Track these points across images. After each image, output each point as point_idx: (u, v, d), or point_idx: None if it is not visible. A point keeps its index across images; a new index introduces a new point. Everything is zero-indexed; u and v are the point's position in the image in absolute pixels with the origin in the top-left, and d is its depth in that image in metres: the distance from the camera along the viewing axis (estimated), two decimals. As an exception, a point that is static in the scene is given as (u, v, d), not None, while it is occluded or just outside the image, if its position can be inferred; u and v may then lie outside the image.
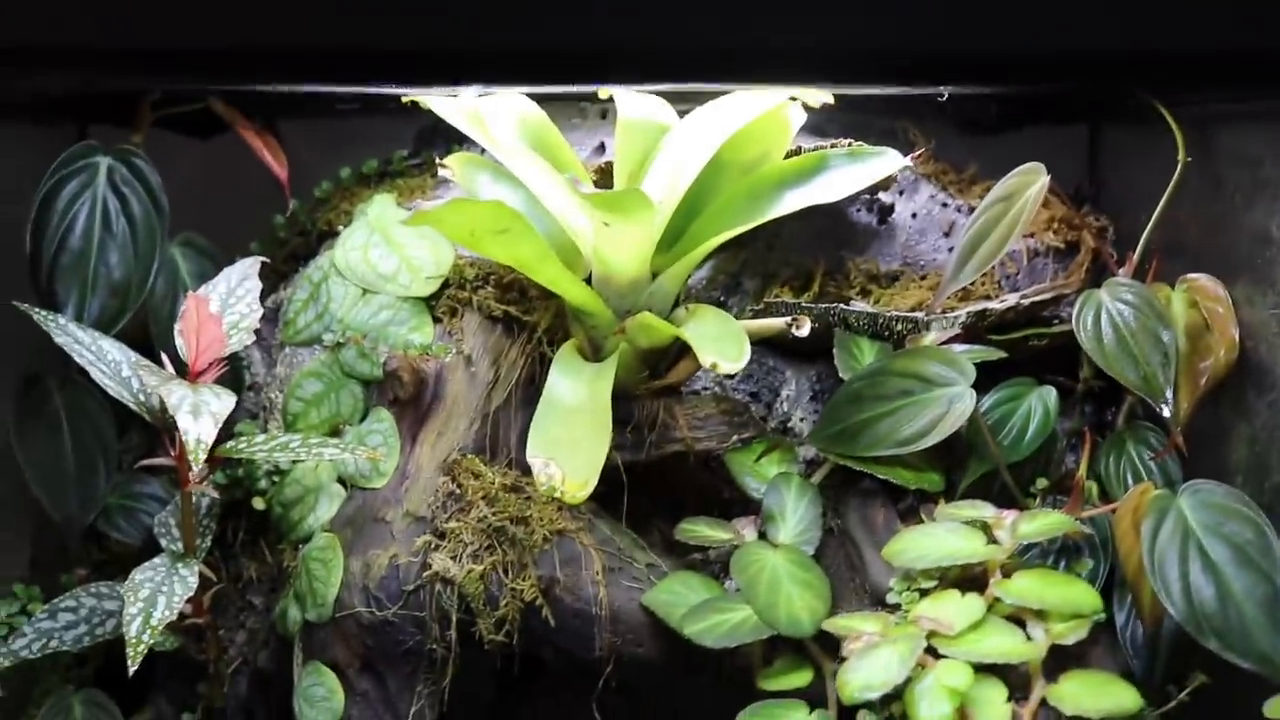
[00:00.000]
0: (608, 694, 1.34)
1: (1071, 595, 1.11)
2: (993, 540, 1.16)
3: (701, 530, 1.34)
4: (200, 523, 1.37)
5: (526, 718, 1.41)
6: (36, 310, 1.30)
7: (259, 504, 1.41)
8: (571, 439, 1.20)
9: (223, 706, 1.43)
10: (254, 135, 1.51)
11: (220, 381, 1.44)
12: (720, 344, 1.20)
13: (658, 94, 1.39)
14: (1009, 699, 1.07)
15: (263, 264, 1.38)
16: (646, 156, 1.34)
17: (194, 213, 1.50)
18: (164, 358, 1.28)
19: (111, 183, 1.41)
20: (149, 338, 1.42)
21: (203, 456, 1.13)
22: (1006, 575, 1.14)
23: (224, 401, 1.21)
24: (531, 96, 1.37)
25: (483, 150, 1.37)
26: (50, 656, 1.31)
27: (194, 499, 1.36)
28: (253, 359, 1.52)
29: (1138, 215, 1.43)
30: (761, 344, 1.48)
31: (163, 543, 1.34)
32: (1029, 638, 1.09)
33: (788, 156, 1.38)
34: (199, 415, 1.17)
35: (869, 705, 1.14)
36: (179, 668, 1.44)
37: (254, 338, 1.31)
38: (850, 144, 1.40)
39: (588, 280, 1.34)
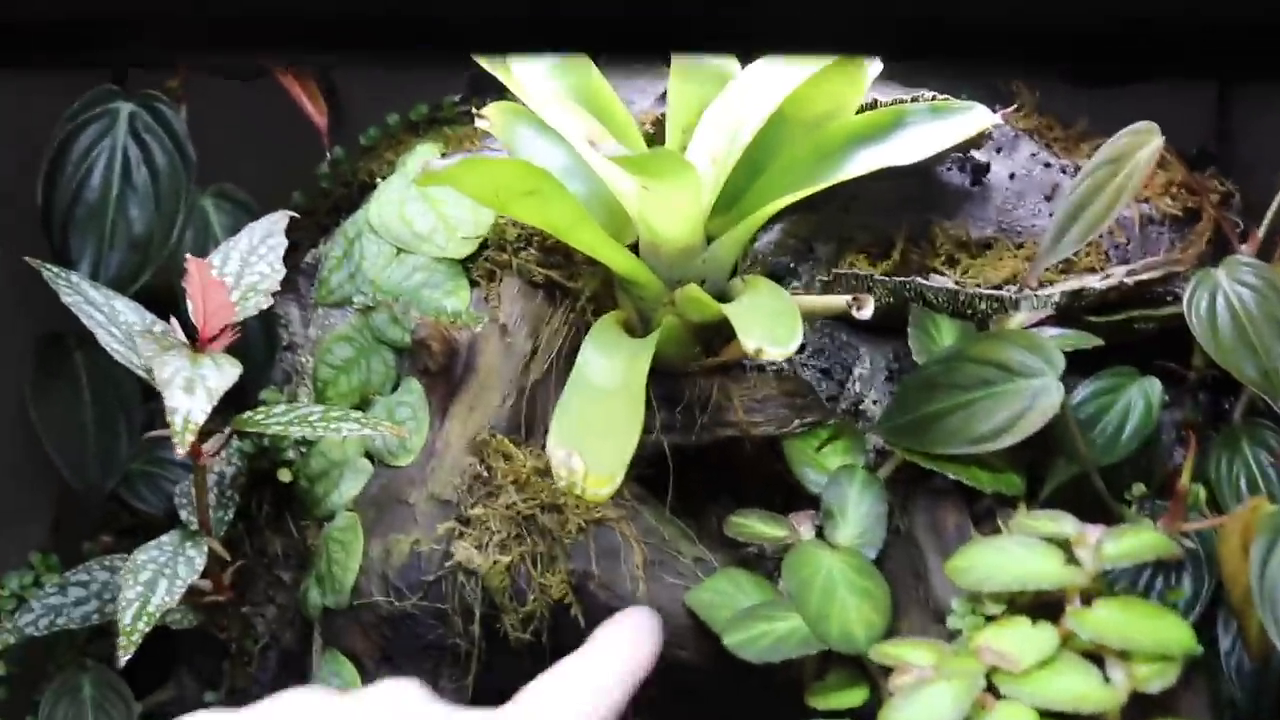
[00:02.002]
0: (645, 699, 1.23)
1: (1161, 632, 0.96)
2: (1073, 560, 1.01)
3: (754, 525, 1.21)
4: (223, 495, 1.29)
5: None
6: (46, 266, 1.21)
7: (285, 476, 1.31)
8: (599, 427, 1.07)
9: (247, 687, 1.35)
10: (293, 80, 1.41)
11: (246, 343, 1.36)
12: (769, 326, 1.06)
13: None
14: (1080, 751, 0.92)
15: (294, 218, 1.27)
16: (703, 108, 1.20)
17: (231, 163, 1.41)
18: (174, 322, 1.19)
19: (133, 130, 1.31)
20: (174, 295, 1.33)
21: (190, 438, 1.03)
22: (1086, 603, 0.99)
23: (225, 373, 1.10)
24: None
25: (528, 95, 1.25)
26: (64, 632, 1.25)
27: (211, 469, 1.27)
28: (291, 317, 1.42)
29: (1268, 183, 1.25)
30: (834, 318, 1.34)
31: (182, 515, 1.26)
32: (1107, 679, 0.94)
33: (862, 111, 1.23)
34: (193, 391, 1.07)
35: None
36: (205, 643, 1.37)
37: (272, 301, 1.21)
38: (933, 97, 1.24)
39: (635, 247, 1.21)
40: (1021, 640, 0.96)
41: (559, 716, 0.60)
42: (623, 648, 0.68)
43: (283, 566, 1.36)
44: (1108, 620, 0.96)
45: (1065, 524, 1.03)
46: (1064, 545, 1.02)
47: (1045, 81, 1.40)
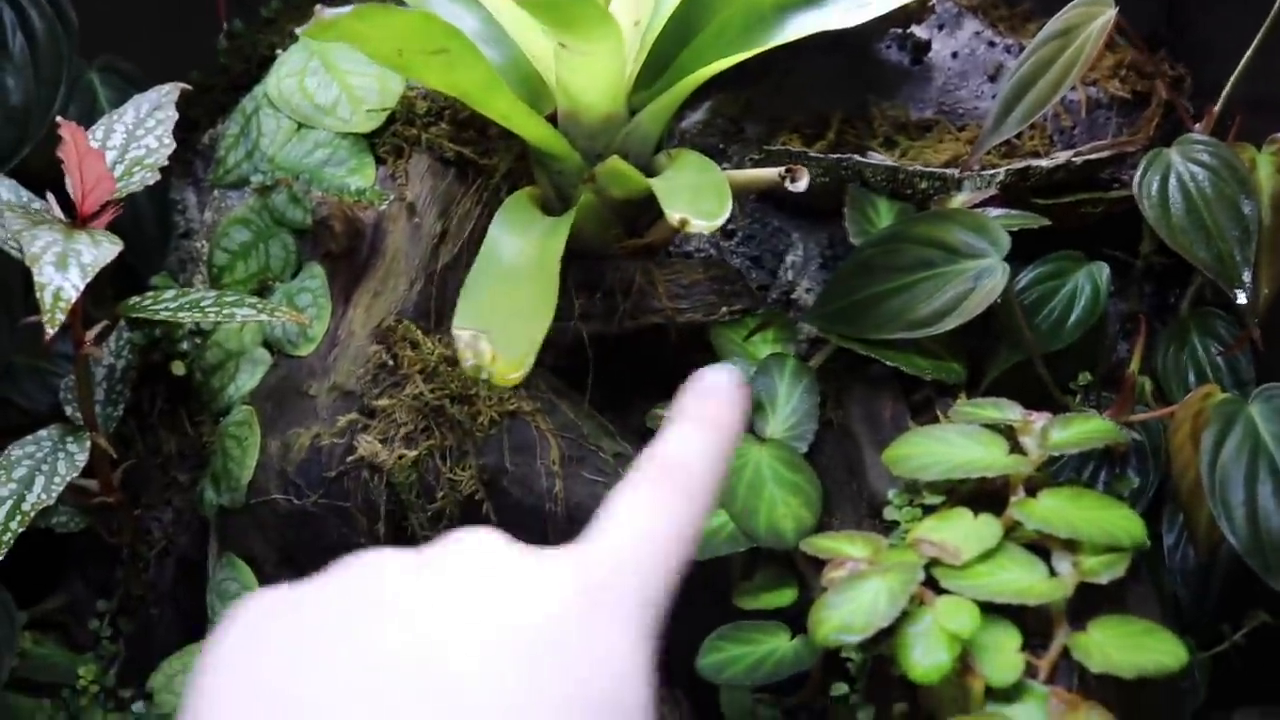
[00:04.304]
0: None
1: (1109, 522, 0.89)
2: (1017, 448, 0.95)
3: (678, 418, 1.14)
4: (112, 389, 1.20)
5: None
6: (-91, 138, 1.11)
7: (178, 369, 1.22)
8: (508, 308, 0.99)
9: (143, 594, 1.27)
10: (188, -60, 1.30)
11: (138, 226, 1.26)
12: (696, 198, 0.98)
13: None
14: (1023, 647, 0.86)
15: (187, 93, 1.17)
16: (627, -32, 1.11)
17: (120, 35, 1.30)
18: (50, 198, 1.09)
19: (7, -9, 1.20)
20: (59, 176, 1.23)
21: (60, 317, 0.94)
22: (1031, 493, 0.92)
23: (102, 250, 1.01)
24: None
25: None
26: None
27: (100, 362, 1.18)
28: (187, 202, 1.33)
29: (1223, 65, 1.19)
30: (766, 202, 1.27)
31: (67, 410, 1.18)
32: (1053, 572, 0.88)
33: (799, -26, 1.14)
34: (65, 267, 0.97)
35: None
36: (97, 550, 1.28)
37: (158, 176, 1.11)
38: (875, -40, 1.16)
39: (554, 120, 1.12)
40: (962, 531, 0.90)
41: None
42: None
43: (178, 467, 1.27)
44: (1054, 510, 0.90)
45: (1009, 410, 0.97)
46: (1008, 433, 0.96)
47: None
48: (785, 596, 1.06)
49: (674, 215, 0.95)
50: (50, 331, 0.94)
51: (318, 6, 0.88)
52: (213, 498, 1.17)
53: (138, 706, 1.15)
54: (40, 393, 1.26)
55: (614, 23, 0.96)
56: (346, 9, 0.89)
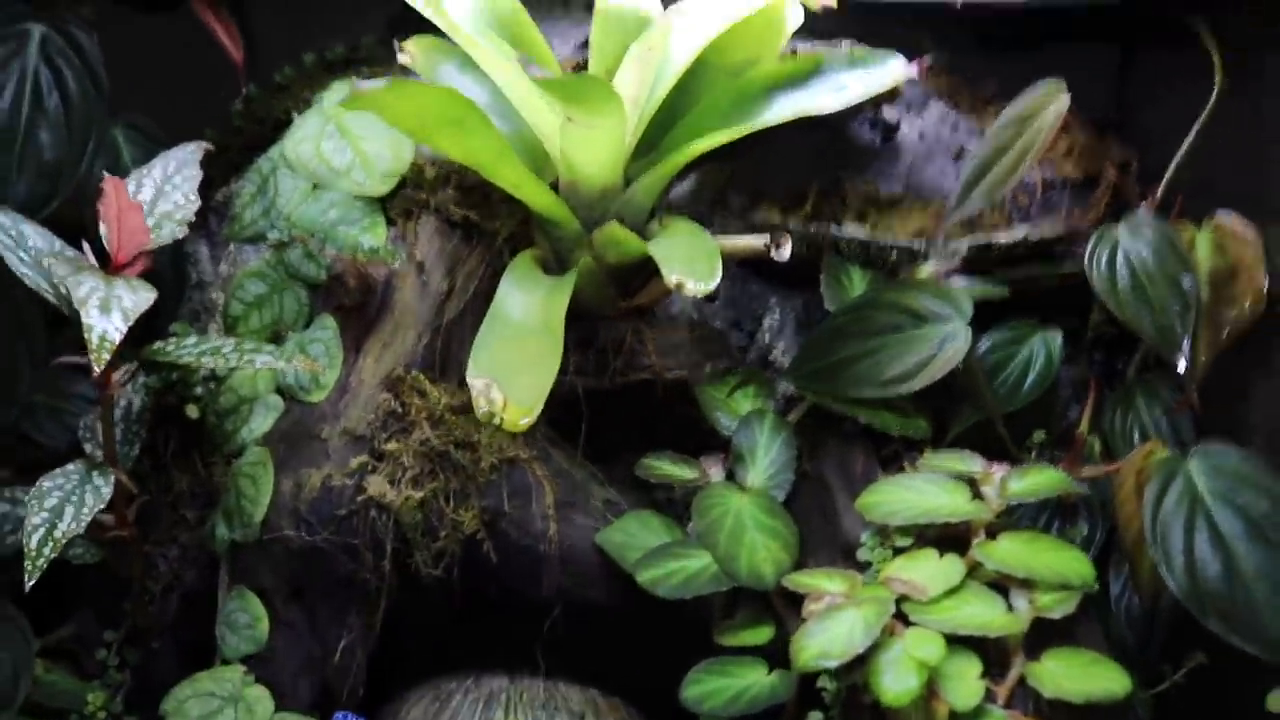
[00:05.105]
0: (555, 639, 1.24)
1: (1061, 563, 0.99)
2: (979, 497, 1.04)
3: (665, 467, 1.23)
4: (129, 429, 1.27)
5: (468, 658, 1.30)
6: (-50, 188, 1.19)
7: (192, 411, 1.30)
8: (518, 360, 1.08)
9: (148, 626, 1.34)
10: (210, 13, 1.39)
11: (156, 278, 1.34)
12: (690, 262, 1.08)
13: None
14: (984, 675, 0.95)
15: (209, 152, 1.26)
16: (624, 53, 1.21)
17: (142, 96, 1.39)
18: (85, 247, 1.17)
19: (45, 54, 1.28)
20: (84, 228, 1.31)
21: (106, 356, 1.02)
22: (991, 536, 1.02)
23: (140, 297, 1.09)
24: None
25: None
26: (-40, 566, 1.23)
27: (118, 403, 1.25)
28: (200, 256, 1.41)
29: (1167, 149, 1.30)
30: (746, 268, 1.36)
31: (86, 448, 1.25)
32: (1010, 608, 0.98)
33: (783, 59, 1.25)
34: (108, 310, 1.06)
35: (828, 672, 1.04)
36: (106, 583, 1.34)
37: (186, 230, 1.20)
38: (851, 46, 1.26)
39: (555, 187, 1.22)
40: (929, 570, 0.99)
41: None
42: None
43: (188, 505, 1.34)
44: (1012, 551, 0.99)
45: (972, 462, 1.07)
46: (970, 482, 1.06)
47: (956, 45, 1.43)
48: (763, 634, 1.15)
49: (670, 277, 1.04)
50: (97, 370, 1.02)
51: (354, 79, 0.97)
52: (225, 533, 1.24)
53: (151, 729, 1.22)
54: (59, 431, 1.34)
55: (619, 99, 1.05)
56: (381, 83, 0.98)
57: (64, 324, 1.34)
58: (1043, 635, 0.98)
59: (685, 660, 1.16)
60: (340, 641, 1.22)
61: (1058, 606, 0.97)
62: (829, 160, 1.38)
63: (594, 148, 1.14)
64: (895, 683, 0.94)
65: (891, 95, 1.36)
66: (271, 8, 1.48)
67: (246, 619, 1.23)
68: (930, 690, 0.94)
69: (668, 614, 1.22)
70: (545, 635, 1.23)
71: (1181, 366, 1.15)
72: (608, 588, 1.21)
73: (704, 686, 1.12)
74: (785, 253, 1.13)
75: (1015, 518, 1.14)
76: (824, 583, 1.03)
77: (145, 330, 1.34)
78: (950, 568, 1.00)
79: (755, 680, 1.12)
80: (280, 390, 1.27)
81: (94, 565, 1.30)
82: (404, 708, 1.25)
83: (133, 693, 1.32)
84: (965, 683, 0.94)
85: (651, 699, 1.24)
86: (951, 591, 0.98)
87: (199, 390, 1.30)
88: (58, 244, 1.20)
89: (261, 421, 1.27)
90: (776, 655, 1.14)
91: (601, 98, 1.03)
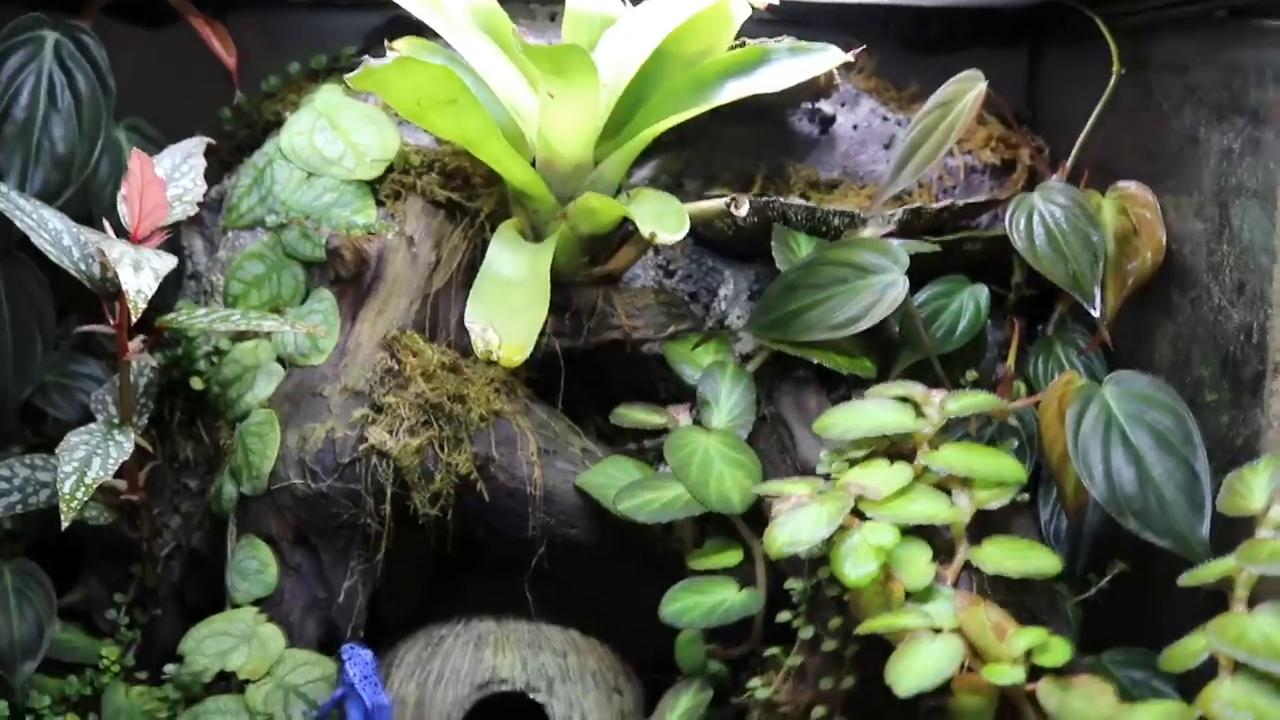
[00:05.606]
0: (541, 578, 1.36)
1: (997, 465, 1.14)
2: (921, 415, 1.18)
3: (636, 415, 1.36)
4: (138, 400, 1.37)
5: (461, 599, 1.41)
6: (-25, 177, 1.30)
7: (197, 383, 1.41)
8: (510, 307, 1.21)
9: (155, 588, 1.43)
10: (204, 24, 1.51)
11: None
12: (661, 217, 1.22)
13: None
14: (933, 559, 1.09)
15: (208, 145, 1.39)
16: (592, 47, 1.35)
17: (140, 101, 1.50)
18: (105, 224, 1.28)
19: (58, 57, 1.40)
20: (91, 220, 1.42)
21: (142, 306, 1.14)
22: (934, 448, 1.16)
23: (165, 260, 1.21)
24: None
25: (435, 37, 1.38)
26: (-16, 528, 1.32)
27: (132, 371, 1.36)
28: (194, 248, 1.52)
29: (1074, 133, 1.46)
30: (701, 244, 1.50)
31: (99, 419, 1.34)
32: (954, 504, 1.12)
33: (732, 49, 1.40)
34: (140, 269, 1.17)
35: (796, 569, 1.17)
36: (112, 550, 1.44)
37: (195, 210, 1.32)
38: (793, 40, 1.41)
39: (532, 165, 1.35)
40: (882, 476, 1.13)
41: None
42: None
43: (190, 474, 1.45)
44: (953, 456, 1.13)
45: (913, 388, 1.21)
46: (914, 405, 1.19)
47: (882, 51, 1.60)
48: (732, 558, 1.28)
49: (646, 229, 1.18)
50: (134, 316, 1.13)
51: (367, 59, 1.10)
52: (232, 491, 1.35)
53: (171, 667, 1.31)
54: (68, 405, 1.43)
55: (595, 68, 1.19)
56: (388, 59, 1.12)
57: (69, 314, 1.45)
58: (984, 527, 1.12)
59: (663, 595, 1.27)
60: (344, 583, 1.33)
61: (995, 499, 1.11)
62: (774, 149, 1.53)
63: (570, 125, 1.27)
64: (856, 568, 1.07)
65: (828, 89, 1.52)
66: (254, 21, 1.61)
67: (255, 565, 1.34)
68: (887, 574, 1.07)
69: (643, 548, 1.34)
70: (532, 574, 1.34)
71: (1094, 310, 1.30)
72: (587, 526, 1.34)
73: (682, 603, 1.24)
74: (744, 209, 1.27)
75: (956, 437, 1.28)
76: (789, 487, 1.16)
77: (142, 322, 1.45)
78: (900, 473, 1.13)
79: (728, 595, 1.24)
80: (280, 359, 1.39)
81: (99, 536, 1.40)
82: (398, 654, 1.35)
83: (140, 650, 1.42)
84: (917, 566, 1.07)
85: (628, 641, 1.38)
86: (902, 492, 1.11)
87: (202, 364, 1.41)
88: (74, 226, 1.31)
89: (265, 387, 1.38)
90: (745, 578, 1.27)
91: (581, 66, 1.17)
